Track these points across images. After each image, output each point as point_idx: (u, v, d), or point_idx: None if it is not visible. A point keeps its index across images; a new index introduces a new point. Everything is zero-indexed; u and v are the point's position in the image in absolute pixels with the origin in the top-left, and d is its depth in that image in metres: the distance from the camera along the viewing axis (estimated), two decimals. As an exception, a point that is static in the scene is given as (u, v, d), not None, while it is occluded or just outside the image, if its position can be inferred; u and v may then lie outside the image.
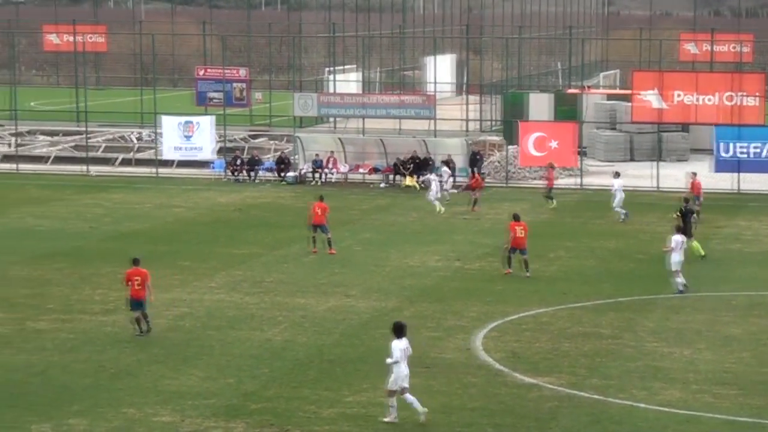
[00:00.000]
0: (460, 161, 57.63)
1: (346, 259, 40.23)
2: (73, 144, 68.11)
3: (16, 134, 67.82)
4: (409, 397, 23.92)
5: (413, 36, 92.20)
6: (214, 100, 65.91)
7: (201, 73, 67.77)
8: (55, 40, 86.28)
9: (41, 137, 71.34)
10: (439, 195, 50.10)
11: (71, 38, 76.12)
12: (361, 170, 59.19)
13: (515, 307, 33.58)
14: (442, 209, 49.23)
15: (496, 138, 64.87)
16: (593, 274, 38.14)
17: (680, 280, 35.16)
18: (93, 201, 52.02)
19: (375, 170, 58.95)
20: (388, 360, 24.02)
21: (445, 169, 54.67)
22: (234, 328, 31.34)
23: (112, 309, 32.98)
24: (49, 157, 64.76)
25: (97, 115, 73.18)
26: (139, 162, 63.98)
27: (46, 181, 58.66)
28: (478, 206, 50.22)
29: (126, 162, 63.97)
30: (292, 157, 60.59)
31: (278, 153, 62.08)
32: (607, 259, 40.65)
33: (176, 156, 61.63)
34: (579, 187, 56.67)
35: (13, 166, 62.35)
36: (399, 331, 24.17)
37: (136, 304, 30.16)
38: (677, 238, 35.25)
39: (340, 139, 60.86)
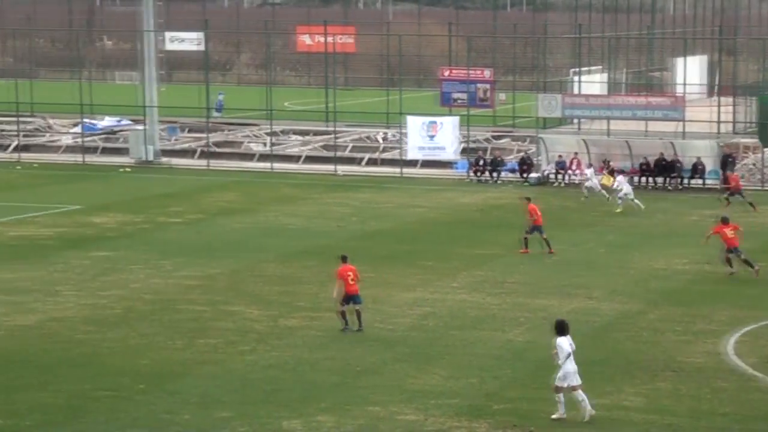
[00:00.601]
0: (710, 163, 56.69)
1: (589, 262, 40.02)
2: (322, 144, 69.59)
3: (271, 134, 69.67)
4: (581, 394, 23.90)
5: (662, 37, 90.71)
6: (458, 101, 66.35)
7: (446, 73, 68.29)
8: (307, 41, 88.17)
9: (294, 137, 73.09)
10: (631, 195, 49.83)
11: (322, 39, 77.73)
12: (605, 172, 58.61)
13: None
14: (620, 209, 49.35)
15: (750, 140, 63.34)
16: None
17: None
18: (340, 200, 53.08)
19: (620, 172, 58.31)
20: (558, 361, 24.06)
21: (591, 170, 54.13)
22: (476, 328, 31.56)
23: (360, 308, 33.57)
24: (300, 157, 66.35)
25: (345, 115, 74.55)
26: (385, 162, 64.89)
27: (297, 180, 60.15)
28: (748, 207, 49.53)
29: (372, 162, 64.97)
30: (535, 159, 60.52)
31: (521, 154, 62.07)
32: None
33: (420, 156, 62.37)
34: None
35: (268, 165, 64.09)
36: (562, 328, 24.36)
37: (351, 298, 30.73)
38: None
39: (584, 140, 60.45)
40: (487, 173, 59.87)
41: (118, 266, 38.46)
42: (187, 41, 72.87)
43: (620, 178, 51.86)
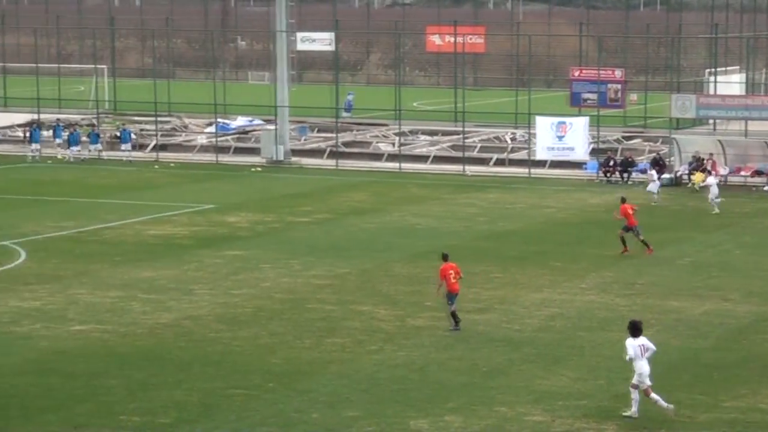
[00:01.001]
0: None
1: (724, 263, 39.46)
2: (450, 144, 69.57)
3: (400, 134, 69.86)
4: (653, 396, 24.12)
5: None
6: (588, 101, 65.77)
7: (576, 74, 67.74)
8: (437, 41, 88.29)
9: (422, 137, 73.19)
10: (715, 197, 49.19)
11: (452, 39, 77.74)
12: (742, 173, 57.88)
13: None
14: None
15: None
16: None
17: None
18: (468, 200, 53.02)
19: (758, 173, 57.50)
20: (626, 357, 24.53)
21: (652, 171, 53.30)
22: (604, 329, 31.31)
23: (484, 308, 33.58)
24: (429, 157, 66.43)
25: (474, 115, 74.43)
26: (513, 162, 64.60)
27: (425, 180, 60.25)
28: None
29: (500, 162, 64.74)
30: (668, 159, 59.77)
31: (653, 154, 61.37)
32: None
33: (549, 156, 61.98)
34: None
35: (397, 165, 64.29)
36: (634, 329, 24.53)
37: (454, 296, 30.78)
38: None
39: (720, 141, 59.53)
40: (617, 174, 59.34)
41: (250, 265, 38.96)
42: (318, 41, 73.42)
43: (710, 179, 51.10)
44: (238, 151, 68.73)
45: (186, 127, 76.59)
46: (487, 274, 37.92)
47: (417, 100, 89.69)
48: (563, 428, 23.82)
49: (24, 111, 79.27)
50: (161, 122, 72.64)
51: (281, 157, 65.29)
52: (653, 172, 54.04)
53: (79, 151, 66.06)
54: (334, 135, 69.04)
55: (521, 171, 61.77)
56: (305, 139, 71.89)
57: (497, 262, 39.55)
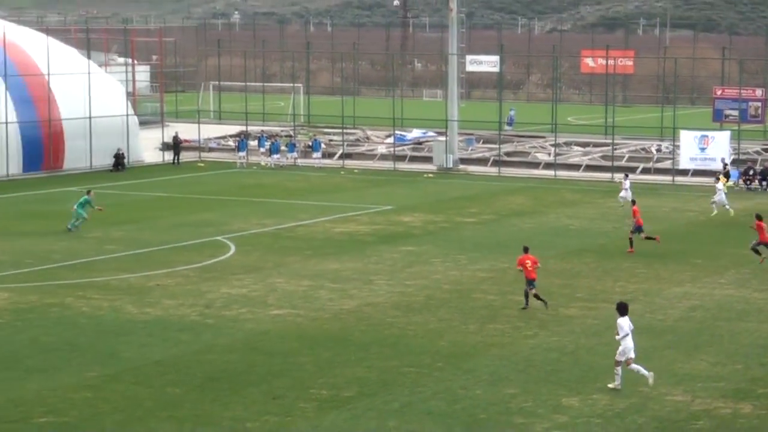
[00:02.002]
0: None
1: None
2: (601, 154, 68.76)
3: (555, 145, 69.36)
4: (634, 366, 24.22)
5: None
6: (730, 117, 64.38)
7: (719, 92, 66.39)
8: (590, 63, 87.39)
9: (575, 148, 72.55)
10: (717, 200, 47.81)
11: (604, 62, 76.91)
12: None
13: None
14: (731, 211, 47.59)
15: None
16: None
17: None
18: (617, 204, 52.23)
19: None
20: (617, 337, 24.41)
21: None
22: (742, 320, 30.55)
23: (629, 299, 32.79)
24: (581, 165, 65.74)
25: (623, 129, 73.40)
26: (657, 171, 63.55)
27: (577, 186, 59.63)
28: None
29: (646, 170, 63.69)
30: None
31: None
32: None
33: (691, 166, 60.97)
34: None
35: (552, 172, 63.86)
36: (623, 309, 24.58)
37: (530, 282, 31.44)
38: None
39: None
40: (756, 182, 57.84)
41: (422, 259, 39.10)
42: (485, 63, 73.45)
43: (718, 185, 49.20)
44: (413, 159, 69.03)
45: (368, 138, 77.27)
46: (633, 269, 37.36)
47: (571, 115, 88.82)
48: (702, 407, 23.31)
49: (234, 123, 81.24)
50: (347, 134, 73.49)
51: (451, 165, 65.39)
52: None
53: (279, 158, 67.22)
54: (497, 146, 68.85)
55: (665, 179, 60.69)
56: (472, 149, 71.84)
57: (642, 259, 38.91)
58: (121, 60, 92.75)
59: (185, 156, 69.04)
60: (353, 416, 22.72)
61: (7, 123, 60.22)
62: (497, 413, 22.96)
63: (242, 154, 67.50)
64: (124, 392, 24.01)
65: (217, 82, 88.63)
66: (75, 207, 43.92)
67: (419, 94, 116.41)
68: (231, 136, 76.88)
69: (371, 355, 27.16)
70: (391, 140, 71.90)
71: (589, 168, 65.03)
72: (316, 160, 67.25)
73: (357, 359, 26.72)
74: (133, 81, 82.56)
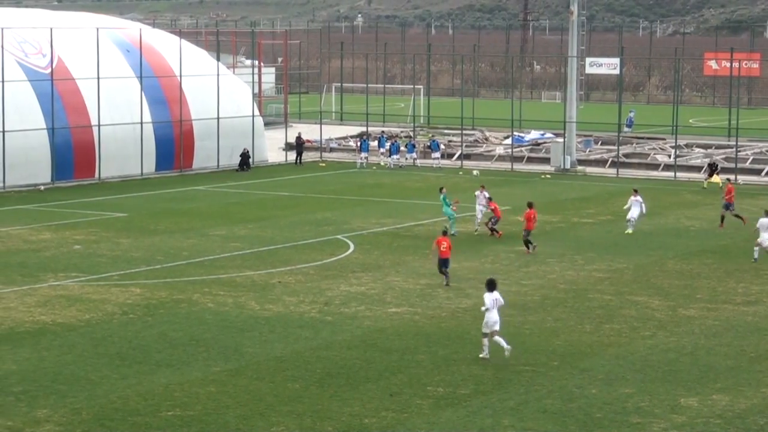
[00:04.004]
0: None
1: None
2: (723, 156, 67.29)
3: (675, 146, 68.17)
4: (497, 338, 25.78)
5: None
6: None
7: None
8: (714, 65, 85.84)
9: (696, 150, 71.21)
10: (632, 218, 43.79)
11: (728, 64, 75.31)
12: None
13: None
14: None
15: None
16: None
17: None
18: (739, 206, 50.73)
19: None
20: (482, 308, 26.06)
21: None
22: None
23: (753, 301, 32.33)
24: (702, 167, 64.44)
25: (747, 131, 71.76)
26: (782, 172, 62.04)
27: (698, 187, 58.47)
28: None
29: (770, 173, 62.26)
30: None
31: None
32: None
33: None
34: None
35: (671, 174, 62.74)
36: (491, 285, 26.18)
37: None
38: None
39: None
40: None
41: (538, 259, 38.75)
42: (605, 65, 72.64)
43: (633, 198, 44.02)
44: (531, 160, 68.55)
45: (487, 139, 76.95)
46: (757, 270, 36.51)
47: (693, 117, 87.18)
48: (822, 413, 22.63)
49: (355, 124, 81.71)
50: (466, 135, 73.25)
51: (568, 166, 64.73)
52: None
53: (398, 159, 67.36)
54: (615, 147, 67.93)
55: (789, 180, 59.18)
56: (590, 151, 71.03)
57: (766, 260, 37.93)
58: (248, 62, 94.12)
59: (307, 156, 69.66)
60: (469, 413, 22.59)
61: (142, 123, 61.43)
62: (613, 412, 22.62)
63: (364, 154, 67.82)
64: (247, 387, 24.27)
65: (339, 84, 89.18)
66: (443, 210, 43.53)
67: (538, 95, 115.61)
68: (351, 136, 77.35)
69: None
70: (509, 141, 71.49)
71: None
72: (434, 160, 67.22)
73: (473, 357, 26.54)
74: (260, 82, 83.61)
